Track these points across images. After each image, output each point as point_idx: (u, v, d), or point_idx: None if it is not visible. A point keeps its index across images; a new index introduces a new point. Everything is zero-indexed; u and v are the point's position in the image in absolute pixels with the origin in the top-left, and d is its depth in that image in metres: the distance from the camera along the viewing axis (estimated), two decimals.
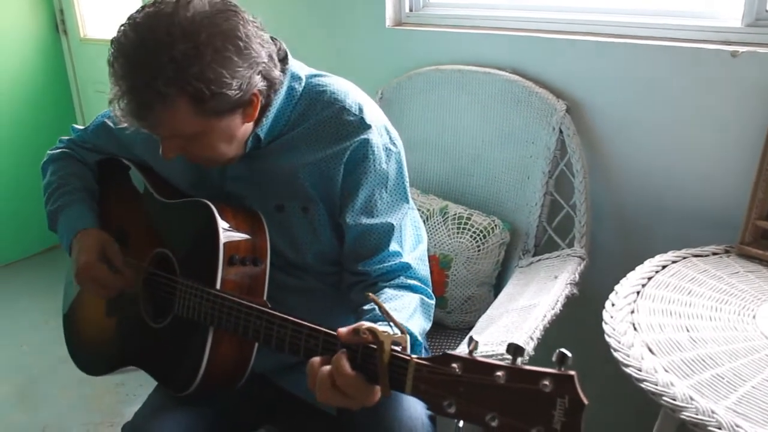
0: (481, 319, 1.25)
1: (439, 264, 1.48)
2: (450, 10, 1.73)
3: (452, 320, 1.49)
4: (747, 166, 1.26)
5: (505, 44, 1.55)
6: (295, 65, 1.06)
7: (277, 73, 1.00)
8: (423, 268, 1.09)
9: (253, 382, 1.06)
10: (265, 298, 1.02)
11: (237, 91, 0.91)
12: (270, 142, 1.05)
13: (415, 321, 0.98)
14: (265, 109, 1.01)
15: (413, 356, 0.73)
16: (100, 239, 1.13)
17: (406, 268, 1.05)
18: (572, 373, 0.62)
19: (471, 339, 0.70)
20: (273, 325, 0.89)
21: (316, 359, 0.81)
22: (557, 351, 0.63)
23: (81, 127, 1.29)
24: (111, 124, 1.21)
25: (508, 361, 0.66)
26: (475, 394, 0.66)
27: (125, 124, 0.94)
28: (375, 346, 0.75)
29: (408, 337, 0.78)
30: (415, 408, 0.96)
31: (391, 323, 0.81)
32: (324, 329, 0.84)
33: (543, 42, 1.50)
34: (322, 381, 0.78)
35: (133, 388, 2.04)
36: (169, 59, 0.86)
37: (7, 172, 2.84)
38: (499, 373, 0.65)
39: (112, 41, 0.90)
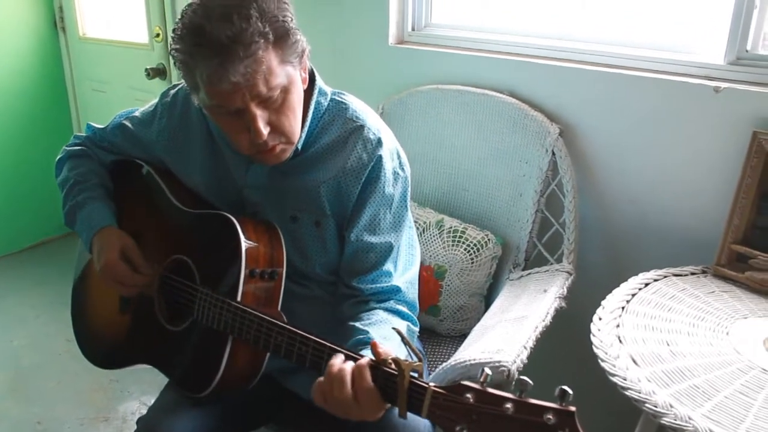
0: (475, 329, 1.32)
1: (433, 274, 1.55)
2: (451, 32, 1.81)
3: (445, 328, 1.57)
4: (725, 193, 1.35)
5: (504, 68, 1.63)
6: (321, 82, 1.13)
7: (309, 65, 1.07)
8: (412, 292, 1.16)
9: (260, 382, 1.11)
10: (279, 309, 1.08)
11: (299, 33, 0.98)
12: (296, 156, 1.10)
13: (402, 348, 1.04)
14: (302, 121, 1.07)
15: (431, 384, 0.80)
16: (120, 238, 1.18)
17: (396, 291, 1.12)
18: (573, 409, 0.70)
19: (482, 371, 0.77)
20: (294, 341, 0.95)
21: (340, 357, 0.88)
22: (559, 388, 0.70)
23: (98, 126, 1.32)
24: (130, 125, 1.26)
25: (517, 394, 0.73)
26: (486, 422, 0.74)
27: (215, 95, 0.94)
28: (396, 373, 0.82)
29: (423, 363, 0.86)
30: None
31: (410, 351, 0.90)
32: (345, 350, 0.90)
33: (540, 68, 1.58)
34: (342, 376, 0.84)
35: (127, 385, 2.05)
36: (253, 1, 0.93)
37: None
38: (508, 405, 0.72)
39: (183, 26, 0.94)
